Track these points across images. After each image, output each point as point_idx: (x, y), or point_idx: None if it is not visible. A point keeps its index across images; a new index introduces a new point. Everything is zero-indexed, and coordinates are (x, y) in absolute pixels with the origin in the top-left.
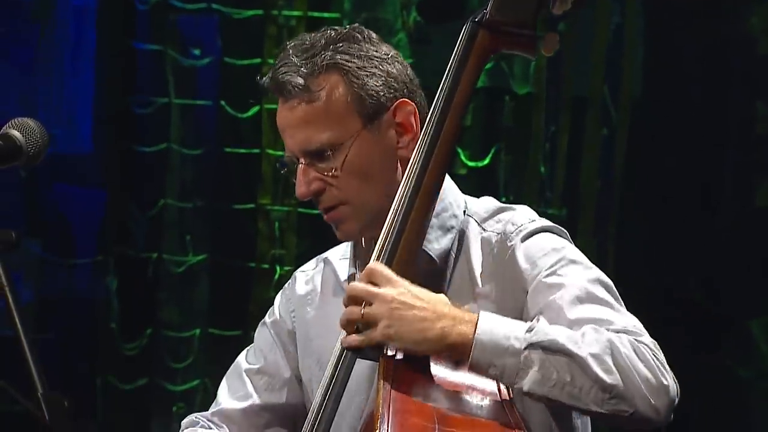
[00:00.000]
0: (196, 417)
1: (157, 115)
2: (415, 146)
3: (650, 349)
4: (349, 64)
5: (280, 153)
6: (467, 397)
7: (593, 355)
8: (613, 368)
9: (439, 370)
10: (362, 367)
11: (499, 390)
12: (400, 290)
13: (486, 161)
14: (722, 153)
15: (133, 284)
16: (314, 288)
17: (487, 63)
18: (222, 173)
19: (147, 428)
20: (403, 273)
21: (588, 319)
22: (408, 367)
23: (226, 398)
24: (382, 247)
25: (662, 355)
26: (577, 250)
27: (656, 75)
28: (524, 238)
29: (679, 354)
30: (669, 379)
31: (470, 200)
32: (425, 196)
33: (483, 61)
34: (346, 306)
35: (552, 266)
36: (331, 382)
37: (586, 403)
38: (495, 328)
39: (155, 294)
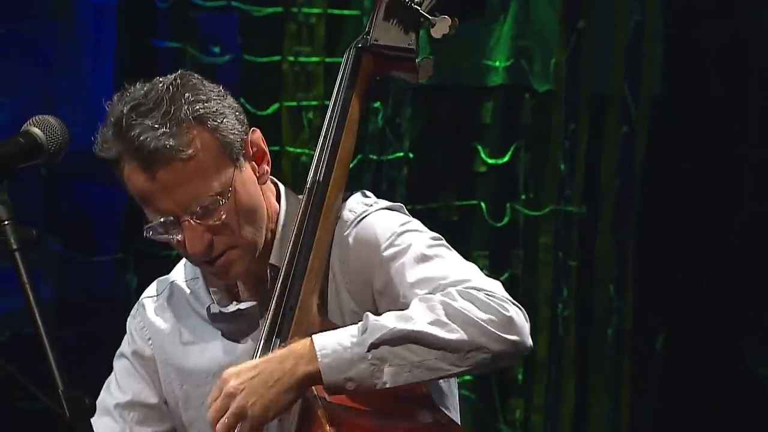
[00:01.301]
0: None
1: None
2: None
3: (481, 290)
4: (207, 112)
5: (300, 150)
6: (398, 408)
7: (430, 323)
8: (453, 325)
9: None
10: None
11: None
12: (237, 374)
13: (506, 159)
14: (742, 150)
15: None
16: (167, 313)
17: (372, 86)
18: None
19: None
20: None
21: (425, 278)
22: (337, 401)
23: None
24: (288, 280)
25: (499, 289)
26: (411, 218)
27: (676, 73)
28: (356, 224)
29: (699, 352)
30: (510, 309)
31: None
32: (326, 220)
33: (369, 84)
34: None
35: (388, 239)
36: None
37: (447, 369)
38: (332, 344)
39: None
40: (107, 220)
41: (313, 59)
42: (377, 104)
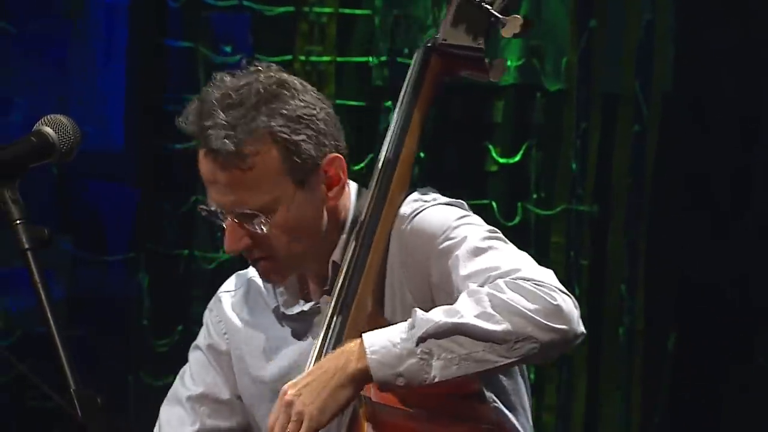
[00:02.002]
0: None
1: None
2: (372, 180)
3: (529, 279)
4: (284, 130)
5: None
6: (445, 410)
7: (476, 316)
8: (499, 317)
9: (411, 395)
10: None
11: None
12: (293, 384)
13: (517, 158)
14: (754, 148)
15: (165, 281)
16: (242, 309)
17: (441, 87)
18: None
19: None
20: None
21: (477, 270)
22: (382, 401)
23: (169, 425)
24: (343, 289)
25: (550, 277)
26: (469, 212)
27: (687, 71)
28: (414, 218)
29: (711, 352)
30: (558, 298)
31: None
32: (387, 221)
33: (438, 84)
34: None
35: (444, 232)
36: None
37: (496, 361)
38: (381, 341)
39: (186, 291)
40: (119, 219)
41: (325, 59)
42: (388, 103)
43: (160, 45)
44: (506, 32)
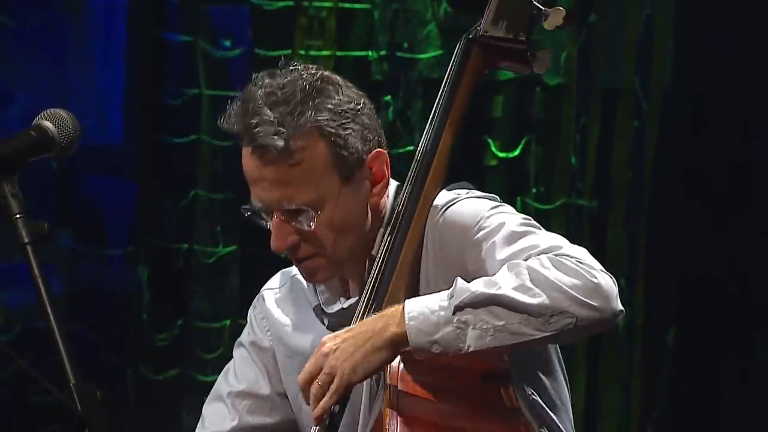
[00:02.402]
0: None
1: (187, 107)
2: (408, 173)
3: (571, 257)
4: (330, 125)
5: None
6: (469, 404)
7: (514, 288)
8: (537, 290)
9: (438, 385)
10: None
11: (500, 393)
12: (330, 338)
13: (516, 152)
14: (754, 143)
15: (164, 275)
16: (286, 306)
17: (482, 79)
18: None
19: (178, 418)
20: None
21: (516, 252)
22: (407, 390)
23: (210, 422)
24: (375, 280)
25: (589, 257)
26: (501, 203)
27: (687, 66)
28: (446, 210)
29: (711, 347)
30: (598, 276)
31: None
32: (419, 220)
33: (478, 77)
34: (302, 387)
35: (478, 222)
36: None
37: (531, 334)
38: (421, 307)
39: (186, 285)
40: (119, 213)
41: (324, 53)
42: (387, 98)
43: (160, 39)
44: (549, 24)
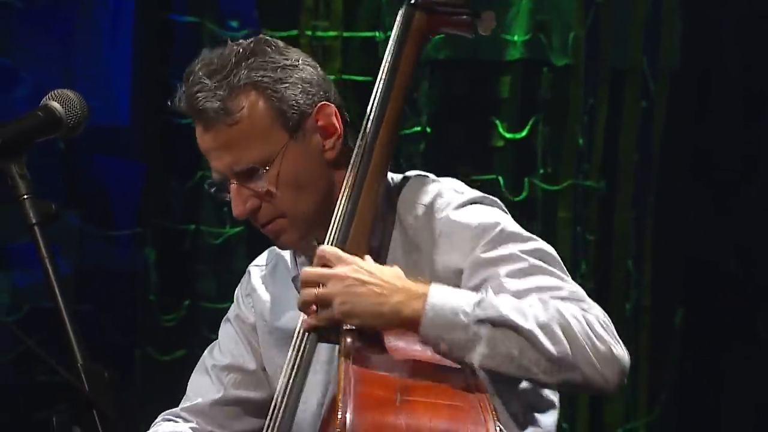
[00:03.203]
0: (165, 414)
1: None
2: (360, 133)
3: (599, 318)
4: (265, 80)
5: None
6: (427, 364)
7: (541, 326)
8: (561, 338)
9: (397, 341)
10: (323, 352)
11: None
12: (353, 267)
13: (524, 133)
14: (761, 125)
15: (171, 256)
16: (271, 282)
17: (425, 44)
18: None
19: None
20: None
21: (532, 288)
22: (366, 342)
23: (195, 393)
24: (333, 234)
25: (611, 323)
26: (512, 219)
27: (695, 47)
28: (454, 210)
29: (718, 328)
30: (619, 348)
31: (395, 179)
32: (372, 178)
33: (421, 42)
34: (300, 291)
35: (489, 241)
36: (293, 367)
37: (535, 374)
38: (445, 302)
39: (193, 266)
40: (126, 194)
41: (331, 33)
42: None
43: (166, 20)
44: None
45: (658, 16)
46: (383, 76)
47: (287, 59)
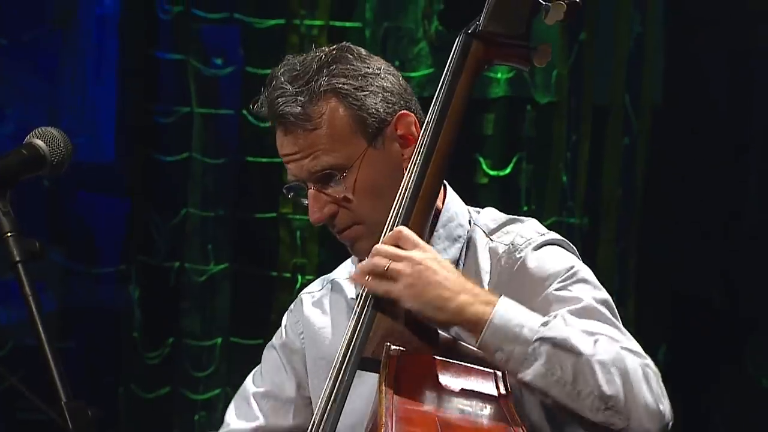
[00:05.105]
0: None
1: (179, 124)
2: (411, 158)
3: (655, 373)
4: (346, 87)
5: None
6: (468, 400)
7: (601, 363)
8: (618, 381)
9: (439, 372)
10: (362, 380)
11: (497, 388)
12: (429, 255)
13: (507, 170)
14: (744, 160)
15: (156, 293)
16: (323, 310)
17: (480, 74)
18: (244, 182)
19: None
20: None
21: (598, 332)
22: (409, 371)
23: (233, 420)
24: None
25: (662, 382)
26: (586, 267)
27: (677, 83)
28: (534, 250)
29: (702, 363)
30: (666, 407)
31: (474, 211)
32: (423, 203)
33: (477, 72)
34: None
35: (563, 281)
36: (333, 393)
37: (581, 407)
38: (511, 314)
39: (177, 303)
40: (109, 231)
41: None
42: None
43: (151, 57)
44: (549, 20)
45: (640, 52)
46: (436, 107)
47: (369, 67)
